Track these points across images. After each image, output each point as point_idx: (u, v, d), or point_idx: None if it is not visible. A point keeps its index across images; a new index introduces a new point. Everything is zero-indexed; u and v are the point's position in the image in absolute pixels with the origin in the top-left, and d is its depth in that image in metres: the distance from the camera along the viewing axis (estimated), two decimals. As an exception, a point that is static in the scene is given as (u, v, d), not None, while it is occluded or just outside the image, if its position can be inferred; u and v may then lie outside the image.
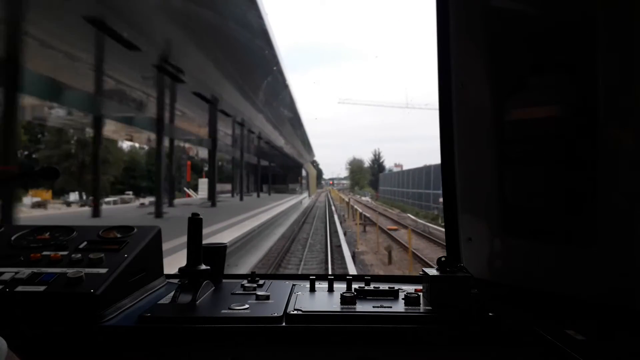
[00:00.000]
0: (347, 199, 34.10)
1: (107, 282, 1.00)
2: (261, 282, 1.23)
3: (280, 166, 47.90)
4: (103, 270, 1.03)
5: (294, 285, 1.23)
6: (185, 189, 31.34)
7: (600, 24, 0.96)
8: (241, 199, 26.68)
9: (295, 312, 1.00)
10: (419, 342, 0.98)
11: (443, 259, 1.07)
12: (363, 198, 55.77)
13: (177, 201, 18.39)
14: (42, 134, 23.94)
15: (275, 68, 14.78)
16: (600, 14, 0.96)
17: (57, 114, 14.80)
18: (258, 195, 34.12)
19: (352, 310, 1.01)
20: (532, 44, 1.17)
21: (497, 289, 1.22)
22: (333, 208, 33.28)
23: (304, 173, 59.63)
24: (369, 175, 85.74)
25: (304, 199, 43.45)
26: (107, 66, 9.58)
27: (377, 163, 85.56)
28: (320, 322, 0.98)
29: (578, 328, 0.93)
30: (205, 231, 1.14)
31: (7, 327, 0.69)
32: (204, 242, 1.15)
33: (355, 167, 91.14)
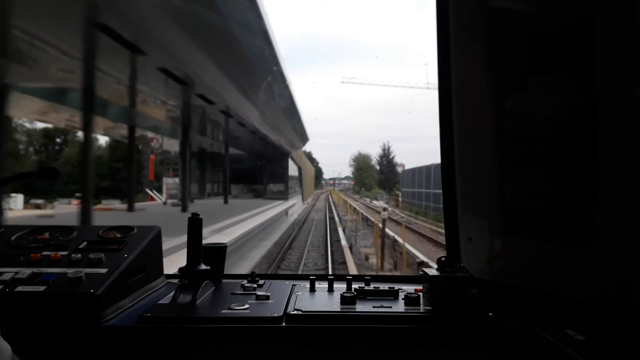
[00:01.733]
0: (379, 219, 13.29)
1: (107, 282, 1.00)
2: (261, 282, 1.23)
3: (256, 156, 29.63)
4: (103, 270, 1.03)
5: (294, 285, 1.23)
6: (148, 191, 25.30)
7: (600, 24, 0.96)
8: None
9: (295, 312, 1.00)
10: (419, 342, 0.98)
11: (443, 259, 1.07)
12: (375, 202, 38.22)
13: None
14: None
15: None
16: (600, 14, 0.96)
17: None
18: (184, 209, 15.56)
19: (352, 310, 1.01)
20: (532, 44, 1.17)
21: (497, 289, 1.22)
22: (340, 232, 16.82)
23: (292, 169, 36.46)
24: (377, 173, 70.28)
25: (290, 207, 24.99)
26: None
27: (386, 159, 69.44)
28: (320, 322, 0.98)
29: (578, 328, 0.93)
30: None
31: (7, 327, 0.69)
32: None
33: (361, 163, 74.25)
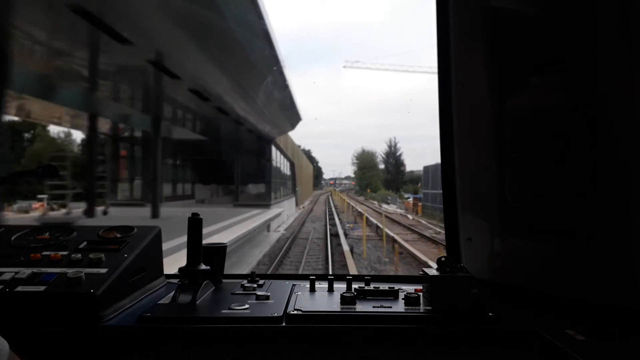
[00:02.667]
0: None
1: (107, 282, 1.00)
2: (261, 282, 1.23)
3: (223, 142, 19.85)
4: (103, 270, 1.03)
5: (294, 285, 1.23)
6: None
7: (600, 24, 0.96)
8: None
9: (295, 312, 1.00)
10: (419, 342, 0.97)
11: (443, 259, 1.07)
12: (385, 206, 32.38)
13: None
14: None
15: None
16: (600, 14, 0.96)
17: None
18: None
19: (352, 310, 1.01)
20: (532, 44, 1.17)
21: (497, 289, 1.22)
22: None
23: (283, 164, 27.23)
24: (382, 173, 63.46)
25: (274, 218, 17.22)
26: None
27: (392, 157, 62.72)
28: (320, 322, 0.98)
29: (578, 328, 0.93)
30: None
31: (7, 327, 0.69)
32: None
33: (365, 162, 66.39)
